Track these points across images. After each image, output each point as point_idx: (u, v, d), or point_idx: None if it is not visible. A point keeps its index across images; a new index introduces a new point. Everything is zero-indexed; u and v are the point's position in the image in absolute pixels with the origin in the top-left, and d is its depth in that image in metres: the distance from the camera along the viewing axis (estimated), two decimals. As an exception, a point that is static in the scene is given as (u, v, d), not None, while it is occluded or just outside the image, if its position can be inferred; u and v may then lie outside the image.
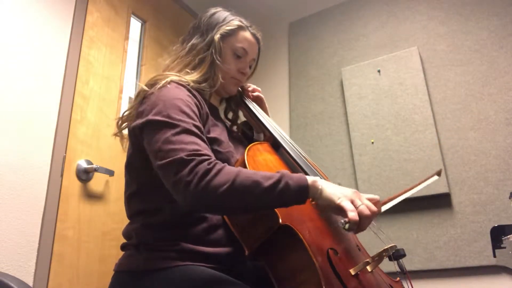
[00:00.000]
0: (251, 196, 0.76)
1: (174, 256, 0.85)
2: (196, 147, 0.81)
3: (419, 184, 1.01)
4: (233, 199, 0.77)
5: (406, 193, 0.98)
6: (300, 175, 0.81)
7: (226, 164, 0.81)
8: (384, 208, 0.91)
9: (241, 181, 0.76)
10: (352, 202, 0.79)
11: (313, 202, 0.82)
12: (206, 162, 0.78)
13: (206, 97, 1.05)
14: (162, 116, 0.85)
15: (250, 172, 0.78)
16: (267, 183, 0.76)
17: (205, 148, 0.83)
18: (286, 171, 0.81)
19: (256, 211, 0.87)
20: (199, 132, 0.86)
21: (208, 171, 0.76)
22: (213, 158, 0.81)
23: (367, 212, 0.78)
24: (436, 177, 1.05)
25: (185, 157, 0.77)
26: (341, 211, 0.78)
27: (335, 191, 0.80)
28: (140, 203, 0.94)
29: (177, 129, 0.83)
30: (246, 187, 0.76)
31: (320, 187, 0.80)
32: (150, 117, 0.87)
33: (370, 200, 0.83)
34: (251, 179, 0.76)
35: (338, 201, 0.79)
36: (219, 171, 0.77)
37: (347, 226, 0.76)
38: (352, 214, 0.76)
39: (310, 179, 0.81)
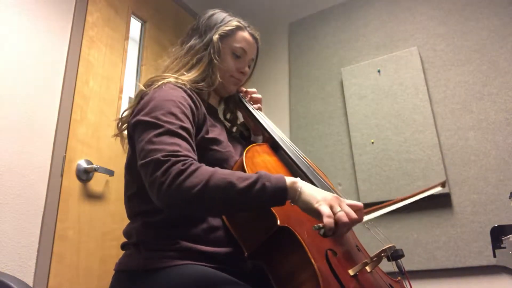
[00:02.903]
0: (225, 197, 0.75)
1: (174, 256, 0.85)
2: (176, 148, 0.80)
3: (418, 194, 0.97)
4: (206, 200, 0.75)
5: (400, 202, 0.93)
6: (279, 176, 0.79)
7: (202, 164, 0.79)
8: (368, 217, 0.86)
9: (215, 182, 0.75)
10: (331, 207, 0.75)
11: (292, 204, 0.79)
12: (180, 163, 0.77)
13: (204, 97, 1.05)
14: (149, 117, 0.87)
15: (226, 173, 0.77)
16: (242, 185, 0.75)
17: (186, 149, 0.82)
18: (264, 172, 0.79)
19: (234, 212, 0.86)
20: (185, 134, 0.85)
21: (181, 172, 0.75)
22: (191, 159, 0.80)
23: (345, 219, 0.73)
24: (439, 188, 1.01)
25: (161, 158, 0.77)
26: (318, 215, 0.75)
27: (315, 194, 0.77)
28: (140, 203, 0.94)
29: (160, 130, 0.83)
30: (219, 188, 0.75)
31: (299, 189, 0.78)
32: (140, 117, 0.88)
33: (352, 206, 0.78)
34: (225, 180, 0.75)
35: (316, 205, 0.75)
36: (193, 171, 0.76)
37: (321, 231, 0.72)
38: (328, 220, 0.72)
39: (289, 180, 0.78)
